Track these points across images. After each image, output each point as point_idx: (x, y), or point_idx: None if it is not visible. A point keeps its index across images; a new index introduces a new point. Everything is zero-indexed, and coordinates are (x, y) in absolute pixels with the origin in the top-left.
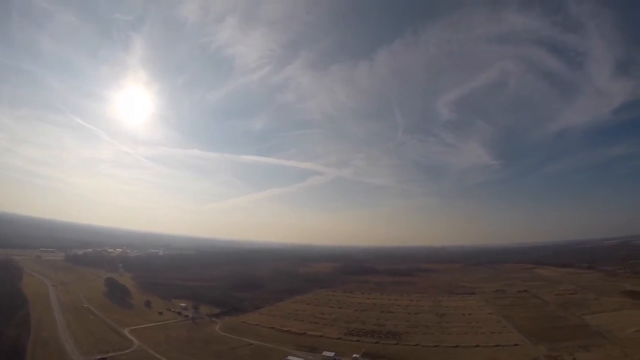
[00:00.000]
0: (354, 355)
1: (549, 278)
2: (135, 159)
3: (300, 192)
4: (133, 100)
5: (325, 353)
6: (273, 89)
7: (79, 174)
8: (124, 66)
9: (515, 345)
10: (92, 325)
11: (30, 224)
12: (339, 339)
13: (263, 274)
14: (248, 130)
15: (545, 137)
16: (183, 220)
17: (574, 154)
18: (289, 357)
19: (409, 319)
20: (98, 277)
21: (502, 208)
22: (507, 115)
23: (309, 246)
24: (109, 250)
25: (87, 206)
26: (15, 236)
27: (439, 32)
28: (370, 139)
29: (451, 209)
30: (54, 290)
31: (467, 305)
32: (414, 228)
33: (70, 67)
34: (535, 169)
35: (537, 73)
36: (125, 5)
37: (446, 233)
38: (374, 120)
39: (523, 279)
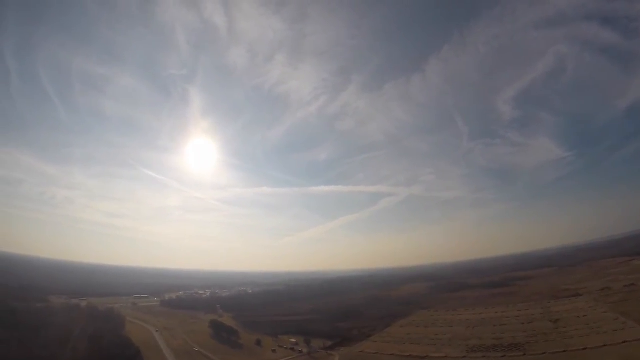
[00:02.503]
0: None
1: None
2: (207, 203)
3: (373, 216)
4: (198, 148)
5: None
6: (331, 117)
7: (154, 223)
8: (185, 118)
9: None
10: None
11: (117, 272)
12: (464, 357)
13: (357, 302)
14: (313, 162)
15: (615, 116)
16: (261, 256)
17: None
18: None
19: (524, 329)
20: (199, 320)
21: (581, 201)
22: (571, 102)
23: (390, 269)
24: (199, 292)
25: (165, 252)
26: (107, 285)
27: (485, 28)
28: (436, 152)
29: (528, 211)
30: (160, 336)
31: (578, 308)
32: (492, 237)
33: (135, 125)
34: (611, 152)
35: (593, 50)
36: (177, 61)
37: (527, 238)
38: (436, 132)
39: (625, 273)
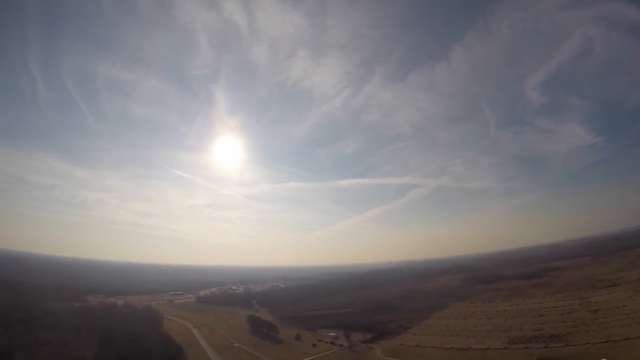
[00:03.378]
0: None
1: None
2: (235, 199)
3: (402, 208)
4: (224, 146)
5: None
6: (356, 110)
7: (184, 221)
8: (210, 117)
9: None
10: None
11: (150, 270)
12: (506, 348)
13: (391, 295)
14: (340, 156)
15: None
16: (290, 251)
17: None
18: None
19: (563, 319)
20: (235, 316)
21: (613, 188)
22: (601, 85)
23: (421, 261)
24: (232, 287)
25: (196, 249)
26: (141, 283)
27: (508, 12)
28: (464, 141)
29: (558, 200)
30: (198, 332)
31: (616, 298)
32: (523, 227)
33: (162, 127)
34: None
35: (620, 29)
36: (200, 61)
37: (557, 227)
38: (463, 121)
39: None
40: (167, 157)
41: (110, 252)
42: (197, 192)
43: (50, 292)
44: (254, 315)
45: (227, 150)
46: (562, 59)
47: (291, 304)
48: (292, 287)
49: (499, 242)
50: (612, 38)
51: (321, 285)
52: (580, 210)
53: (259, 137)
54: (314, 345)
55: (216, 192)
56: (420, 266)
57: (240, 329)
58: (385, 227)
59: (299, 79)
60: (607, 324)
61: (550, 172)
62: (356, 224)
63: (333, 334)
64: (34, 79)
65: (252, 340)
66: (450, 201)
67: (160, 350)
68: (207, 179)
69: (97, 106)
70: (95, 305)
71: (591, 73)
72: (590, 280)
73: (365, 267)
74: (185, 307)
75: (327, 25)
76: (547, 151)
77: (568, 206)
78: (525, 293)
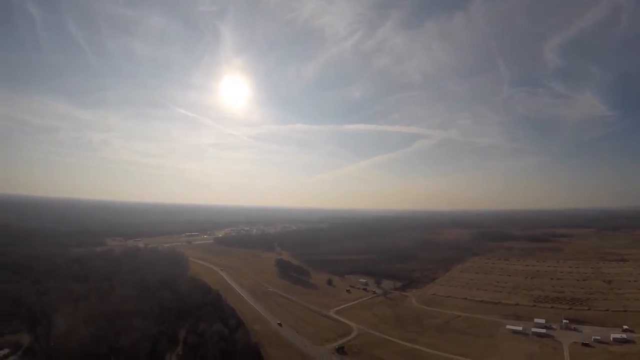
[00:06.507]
0: (564, 321)
1: None
2: (241, 140)
3: (408, 157)
4: (231, 85)
5: (537, 320)
6: (367, 54)
7: (189, 160)
8: (217, 55)
9: None
10: (295, 310)
11: (158, 210)
12: (534, 306)
13: (405, 244)
14: (348, 99)
15: None
16: (294, 193)
17: None
18: (508, 326)
19: (581, 285)
20: (259, 258)
21: (622, 165)
22: (622, 57)
23: (425, 212)
24: (245, 228)
25: (201, 188)
26: (154, 223)
27: None
28: (475, 96)
29: (565, 168)
30: (228, 276)
31: (627, 272)
32: (526, 190)
33: (166, 64)
34: None
35: None
36: None
37: (561, 195)
38: (476, 75)
39: None
40: (172, 96)
41: (116, 192)
42: (202, 132)
43: (68, 237)
44: (283, 259)
45: (233, 90)
46: (586, 24)
47: (310, 247)
48: (306, 230)
49: (501, 202)
50: None
51: (333, 230)
52: (586, 181)
53: (266, 77)
54: (347, 291)
55: (221, 132)
56: (426, 217)
57: (269, 272)
58: (388, 175)
59: (309, 17)
60: (623, 295)
61: (559, 138)
62: (360, 170)
63: (364, 280)
64: (32, 19)
65: (284, 285)
66: (456, 155)
67: (198, 297)
68: (213, 119)
69: (99, 45)
70: (117, 250)
71: (614, 43)
72: (598, 252)
73: (368, 213)
74: (206, 249)
75: None
76: (558, 116)
77: (574, 175)
78: (537, 255)
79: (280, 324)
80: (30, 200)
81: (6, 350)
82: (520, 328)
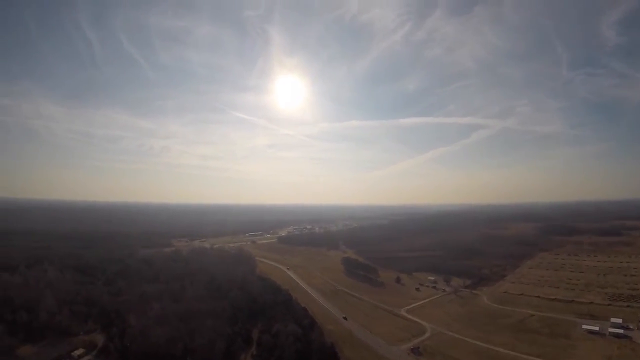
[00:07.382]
0: None
1: None
2: (297, 139)
3: (466, 149)
4: (284, 86)
5: (613, 320)
6: (418, 45)
7: (247, 162)
8: (268, 57)
9: None
10: (366, 309)
11: (220, 210)
12: (609, 305)
13: (471, 239)
14: (401, 93)
15: None
16: (351, 190)
17: None
18: (583, 326)
19: None
20: (325, 257)
21: None
22: None
23: (487, 205)
24: (307, 227)
25: (260, 189)
26: (217, 224)
27: None
28: (532, 81)
29: (632, 153)
30: (295, 274)
31: None
32: (591, 179)
33: (220, 70)
34: None
35: None
36: (251, 1)
37: (630, 183)
38: (532, 59)
39: None
40: (227, 100)
41: (178, 195)
42: (258, 133)
43: (136, 239)
44: (349, 257)
45: (287, 90)
46: None
47: (374, 245)
48: (367, 227)
49: (565, 193)
50: None
51: (394, 226)
52: None
53: (318, 76)
54: (417, 289)
55: (277, 133)
56: (488, 210)
57: (336, 270)
58: (447, 169)
59: (357, 12)
60: None
61: (624, 121)
62: (417, 164)
63: (432, 278)
64: (90, 42)
65: (352, 283)
66: (515, 145)
67: (269, 297)
68: (268, 120)
69: (153, 57)
70: (184, 250)
71: None
72: None
73: (428, 208)
74: (270, 248)
75: None
76: (622, 98)
77: None
78: (607, 250)
79: (345, 318)
80: (99, 206)
81: (81, 350)
82: (596, 328)
